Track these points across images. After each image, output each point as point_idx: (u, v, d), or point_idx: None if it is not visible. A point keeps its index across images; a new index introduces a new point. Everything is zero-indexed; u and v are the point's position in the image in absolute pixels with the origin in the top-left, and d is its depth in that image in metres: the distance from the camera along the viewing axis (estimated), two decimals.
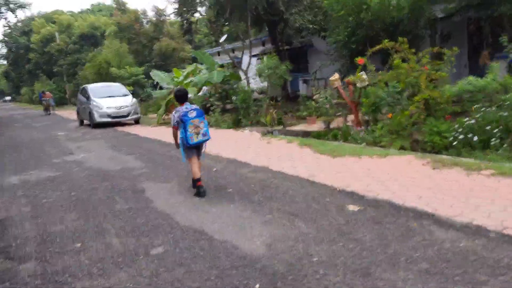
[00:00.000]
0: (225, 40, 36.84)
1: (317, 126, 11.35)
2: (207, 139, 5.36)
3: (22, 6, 27.27)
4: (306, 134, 10.27)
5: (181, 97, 5.36)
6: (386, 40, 8.46)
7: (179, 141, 5.39)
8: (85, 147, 10.71)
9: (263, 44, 26.76)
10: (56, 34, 44.45)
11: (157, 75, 14.68)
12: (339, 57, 15.03)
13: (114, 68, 28.16)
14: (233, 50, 30.08)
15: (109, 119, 15.11)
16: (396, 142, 7.34)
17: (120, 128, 14.69)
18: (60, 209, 5.24)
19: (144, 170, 7.26)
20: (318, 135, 9.67)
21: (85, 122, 17.20)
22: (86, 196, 5.76)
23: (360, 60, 8.91)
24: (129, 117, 15.36)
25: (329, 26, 13.64)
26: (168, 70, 36.10)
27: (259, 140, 9.28)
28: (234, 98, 13.32)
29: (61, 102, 43.49)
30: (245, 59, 19.03)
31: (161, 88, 18.68)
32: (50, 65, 44.91)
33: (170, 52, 34.37)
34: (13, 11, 27.15)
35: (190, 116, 5.10)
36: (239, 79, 15.50)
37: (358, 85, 8.94)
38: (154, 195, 5.60)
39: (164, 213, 4.76)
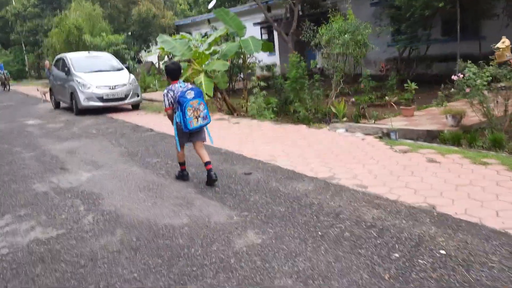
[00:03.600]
0: (214, 6, 32.46)
1: (419, 120, 7.92)
2: (208, 123, 4.75)
3: None
4: (427, 135, 6.84)
5: (174, 72, 4.65)
6: None
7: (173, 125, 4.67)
8: (80, 153, 6.80)
9: (269, 10, 22.76)
10: None
11: (167, 43, 10.67)
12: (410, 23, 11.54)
13: (87, 35, 23.38)
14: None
15: (100, 103, 11.03)
16: None
17: (117, 116, 10.66)
18: None
19: (257, 236, 3.60)
20: (453, 139, 6.23)
21: (62, 104, 12.94)
22: None
23: None
24: (127, 101, 11.32)
25: None
26: (146, 40, 31.54)
27: (388, 152, 5.74)
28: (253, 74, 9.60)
29: (20, 75, 37.73)
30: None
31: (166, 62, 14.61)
32: (6, 33, 38.69)
33: (150, 19, 29.58)
34: None
35: (188, 97, 4.44)
36: (271, 50, 11.74)
37: None
38: None
39: None
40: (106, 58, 12.77)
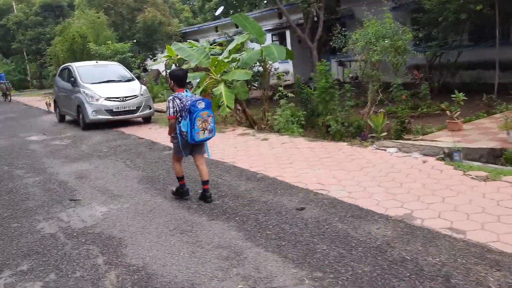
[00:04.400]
0: (221, 13, 31.73)
1: (471, 135, 7.02)
2: (212, 136, 4.51)
3: None
4: (489, 154, 5.93)
5: (181, 79, 4.47)
6: None
7: (177, 134, 4.39)
8: (92, 178, 5.89)
9: (280, 16, 21.98)
10: (13, 3, 37.48)
11: (183, 50, 9.81)
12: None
13: (91, 43, 22.58)
14: (236, 25, 25.15)
15: (109, 117, 10.14)
16: None
17: (128, 131, 9.77)
18: None
19: None
20: None
21: (68, 117, 12.07)
22: None
23: None
24: (138, 113, 10.43)
25: None
26: (151, 48, 30.77)
27: (464, 180, 4.82)
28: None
29: (22, 85, 37.01)
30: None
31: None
32: (7, 41, 38.01)
33: (156, 27, 28.85)
34: None
35: (199, 107, 4.23)
36: (293, 57, 10.89)
37: None
38: None
39: None
40: (115, 68, 11.90)
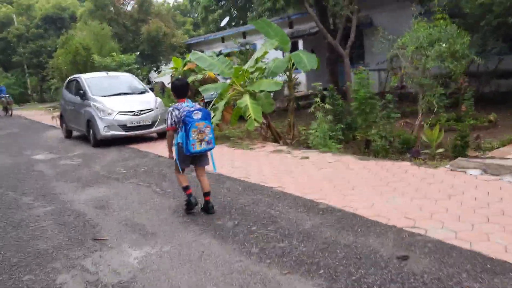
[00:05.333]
0: (227, 24, 31.03)
1: None
2: (212, 148, 4.35)
3: None
4: None
5: (182, 90, 4.40)
6: None
7: (173, 148, 4.40)
8: (115, 208, 4.92)
9: (290, 26, 21.24)
10: (14, 16, 36.80)
11: (203, 59, 8.93)
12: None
13: (95, 55, 21.75)
14: (244, 35, 24.42)
15: (122, 132, 9.21)
16: None
17: (144, 148, 8.81)
18: None
19: None
20: None
21: (75, 132, 11.14)
22: None
23: None
24: (154, 128, 9.50)
25: None
26: (154, 61, 29.98)
27: None
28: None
29: (22, 99, 36.07)
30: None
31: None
32: (7, 55, 37.22)
33: (160, 38, 28.10)
34: None
35: (194, 117, 4.15)
36: (319, 67, 10.00)
37: None
38: None
39: None
40: (127, 79, 10.99)
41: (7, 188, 6.35)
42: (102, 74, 11.08)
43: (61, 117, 11.57)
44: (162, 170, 6.74)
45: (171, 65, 15.40)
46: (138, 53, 27.98)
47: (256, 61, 8.64)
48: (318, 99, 7.90)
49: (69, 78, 11.29)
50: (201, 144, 4.20)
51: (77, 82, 10.38)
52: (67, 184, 6.35)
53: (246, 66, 8.70)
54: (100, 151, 8.85)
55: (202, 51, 23.41)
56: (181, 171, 4.39)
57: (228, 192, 5.23)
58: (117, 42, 26.45)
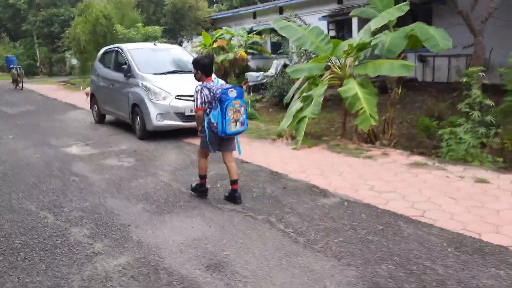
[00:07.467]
0: None
1: None
2: (245, 129, 4.12)
3: None
4: None
5: (210, 67, 4.08)
6: None
7: (205, 127, 3.99)
8: (242, 273, 2.83)
9: (340, 0, 18.81)
10: None
11: (290, 29, 6.72)
12: None
13: (118, 25, 19.48)
14: (280, 10, 21.94)
15: (180, 123, 7.08)
16: None
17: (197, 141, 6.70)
18: None
19: None
20: None
21: (108, 116, 9.02)
22: None
23: None
24: None
25: None
26: (175, 36, 27.58)
27: None
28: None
29: (31, 71, 33.70)
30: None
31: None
32: (16, 23, 34.77)
33: (185, 11, 25.66)
34: None
35: (230, 95, 3.85)
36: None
37: None
38: None
39: None
40: (179, 53, 8.74)
41: (40, 205, 4.28)
42: (149, 45, 8.83)
43: (92, 96, 9.40)
44: (265, 188, 4.63)
45: (194, 41, 13.26)
46: (163, 26, 25.66)
47: (371, 34, 6.39)
48: (477, 91, 5.69)
49: (105, 48, 9.07)
50: (236, 124, 3.94)
51: (118, 53, 8.16)
52: (131, 204, 4.26)
53: (356, 41, 6.47)
54: (153, 147, 6.74)
55: (230, 28, 21.05)
56: (212, 151, 4.07)
57: (406, 243, 3.13)
58: (139, 13, 24.14)
